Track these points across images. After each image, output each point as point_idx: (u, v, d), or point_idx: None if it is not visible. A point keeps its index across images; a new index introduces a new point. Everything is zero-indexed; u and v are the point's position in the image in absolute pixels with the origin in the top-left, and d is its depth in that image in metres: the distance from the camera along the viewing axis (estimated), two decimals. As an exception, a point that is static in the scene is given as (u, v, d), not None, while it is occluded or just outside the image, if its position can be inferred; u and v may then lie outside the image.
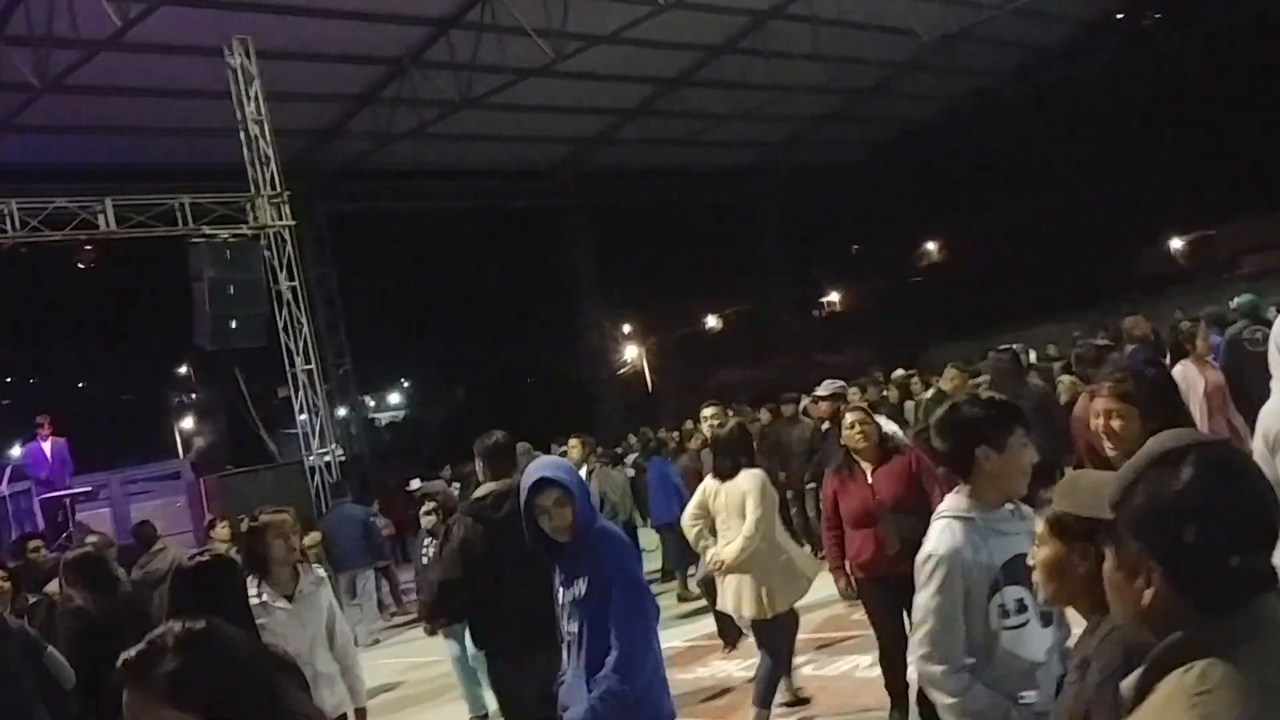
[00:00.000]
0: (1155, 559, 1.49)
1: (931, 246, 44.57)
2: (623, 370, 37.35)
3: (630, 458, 17.52)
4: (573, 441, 10.95)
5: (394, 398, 46.86)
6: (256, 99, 15.74)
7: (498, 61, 18.93)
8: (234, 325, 14.93)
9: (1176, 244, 37.23)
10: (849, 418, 6.06)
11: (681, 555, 12.68)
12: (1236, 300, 12.31)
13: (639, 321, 38.33)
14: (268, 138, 15.72)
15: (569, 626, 4.11)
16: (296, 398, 16.06)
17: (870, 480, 5.84)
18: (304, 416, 16.02)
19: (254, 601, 4.72)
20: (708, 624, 9.87)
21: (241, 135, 15.74)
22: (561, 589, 4.14)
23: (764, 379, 30.74)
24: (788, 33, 22.52)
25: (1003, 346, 12.00)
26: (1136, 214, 33.50)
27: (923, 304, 37.22)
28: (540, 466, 4.20)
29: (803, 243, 35.82)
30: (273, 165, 15.74)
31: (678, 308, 40.25)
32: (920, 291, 40.24)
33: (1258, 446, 3.58)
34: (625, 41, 19.75)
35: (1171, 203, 33.45)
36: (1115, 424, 3.24)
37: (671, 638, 10.16)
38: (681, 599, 12.14)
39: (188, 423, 37.05)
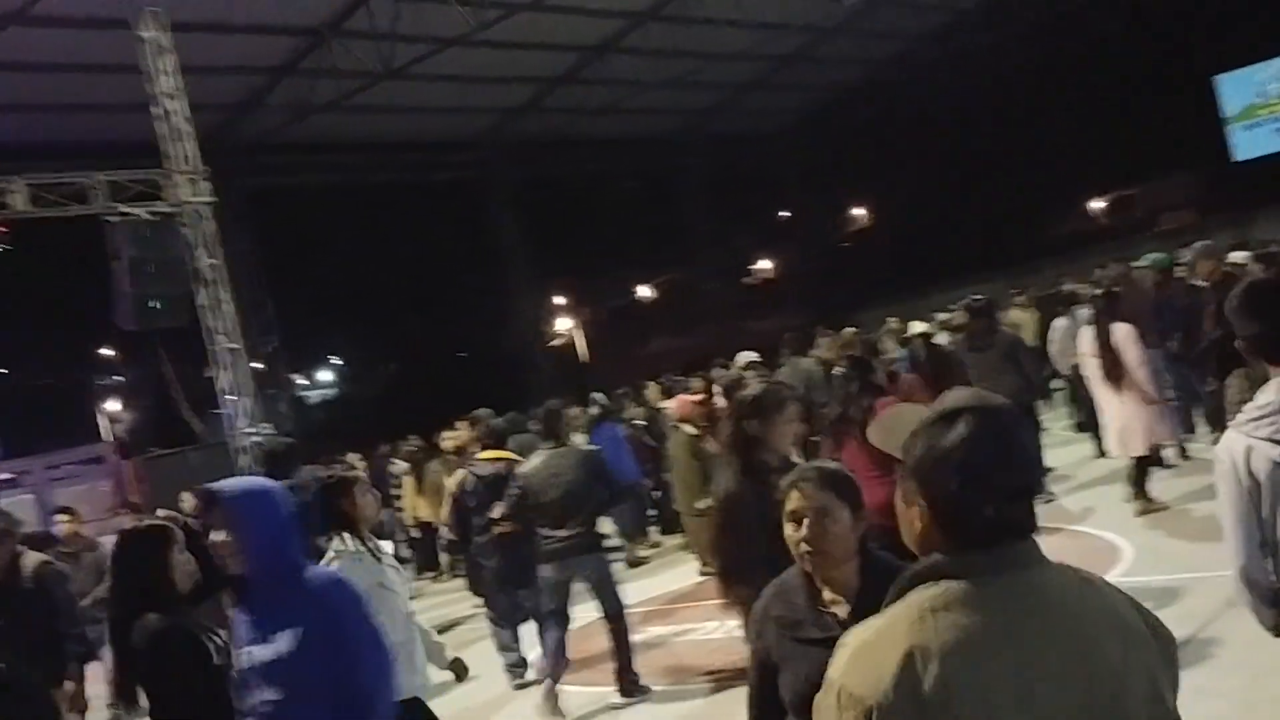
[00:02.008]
0: (924, 499, 1.74)
1: (858, 211, 44.92)
2: (555, 342, 37.28)
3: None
4: (459, 424, 10.65)
5: (325, 375, 46.37)
6: (170, 73, 15.41)
7: (419, 31, 18.72)
8: (155, 305, 14.66)
9: (1097, 204, 37.91)
10: None
11: (634, 518, 12.83)
12: (1148, 257, 12.82)
13: (570, 293, 38.22)
14: (183, 112, 15.41)
15: (258, 695, 3.33)
16: (221, 377, 15.84)
17: None
18: (230, 396, 15.81)
19: (364, 558, 4.75)
20: (655, 587, 10.02)
21: (155, 110, 15.42)
22: (244, 645, 3.41)
23: (695, 347, 30.87)
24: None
25: (976, 296, 12.66)
26: (1058, 175, 34.04)
27: (851, 269, 37.54)
28: (234, 479, 3.76)
29: (731, 210, 35.91)
30: (189, 140, 15.44)
31: (608, 278, 40.19)
32: (848, 256, 40.56)
33: None
34: (548, 9, 19.66)
35: (1092, 163, 34.03)
36: None
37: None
38: (631, 564, 12.23)
39: (112, 405, 36.37)
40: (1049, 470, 10.58)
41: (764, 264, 44.27)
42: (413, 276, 36.10)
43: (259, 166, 23.75)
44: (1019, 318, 16.58)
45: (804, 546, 2.87)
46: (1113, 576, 7.05)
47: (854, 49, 29.37)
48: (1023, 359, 9.95)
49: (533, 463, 7.44)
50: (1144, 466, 8.82)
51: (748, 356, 11.79)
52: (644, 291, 44.61)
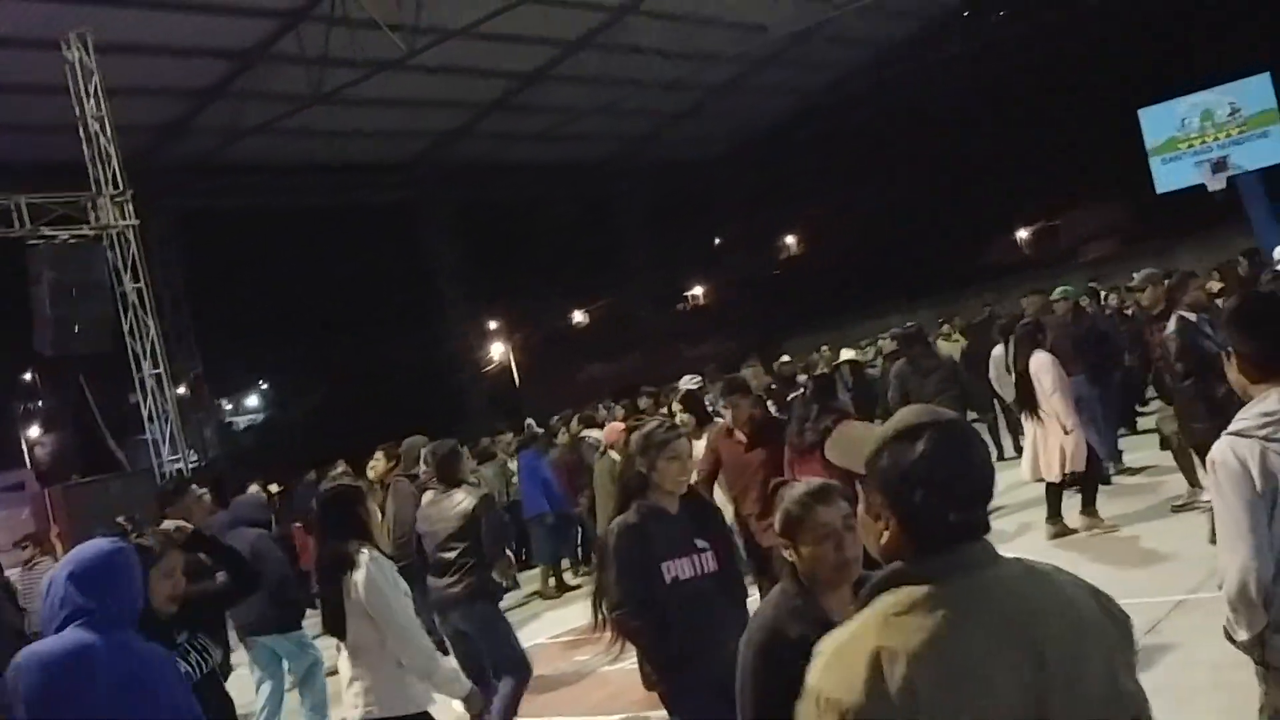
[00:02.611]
0: (891, 511, 1.86)
1: (790, 239, 45.38)
2: (489, 367, 37.12)
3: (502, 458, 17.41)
4: (377, 454, 10.50)
5: (252, 400, 45.72)
6: (96, 94, 15.18)
7: (350, 55, 18.62)
8: (76, 329, 14.38)
9: (1022, 234, 38.66)
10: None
11: (549, 549, 12.70)
12: (1061, 289, 13.25)
13: (504, 317, 38.13)
14: (109, 134, 15.18)
15: None
16: (145, 403, 15.56)
17: None
18: (153, 423, 15.54)
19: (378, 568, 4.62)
20: (586, 613, 9.91)
21: (81, 132, 15.17)
22: None
23: (628, 373, 30.94)
24: (643, 28, 22.69)
25: (909, 324, 13.20)
26: (984, 205, 34.68)
27: (782, 295, 37.86)
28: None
29: (665, 237, 36.10)
30: (114, 163, 15.20)
31: (543, 303, 40.17)
32: (780, 283, 40.92)
33: None
34: (481, 36, 19.62)
35: (1017, 194, 34.73)
36: None
37: (536, 634, 10.19)
38: (542, 595, 12.15)
39: (33, 431, 35.54)
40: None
41: (698, 290, 44.53)
42: (343, 300, 35.78)
43: (187, 189, 23.44)
44: (945, 347, 16.82)
45: (849, 557, 2.88)
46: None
47: (785, 79, 29.72)
48: (963, 381, 10.29)
49: (423, 506, 7.06)
50: (1057, 492, 8.98)
51: (690, 381, 11.79)
52: (579, 316, 44.66)
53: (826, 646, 1.83)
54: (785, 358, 19.26)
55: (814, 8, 22.50)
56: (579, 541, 13.21)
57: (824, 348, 21.29)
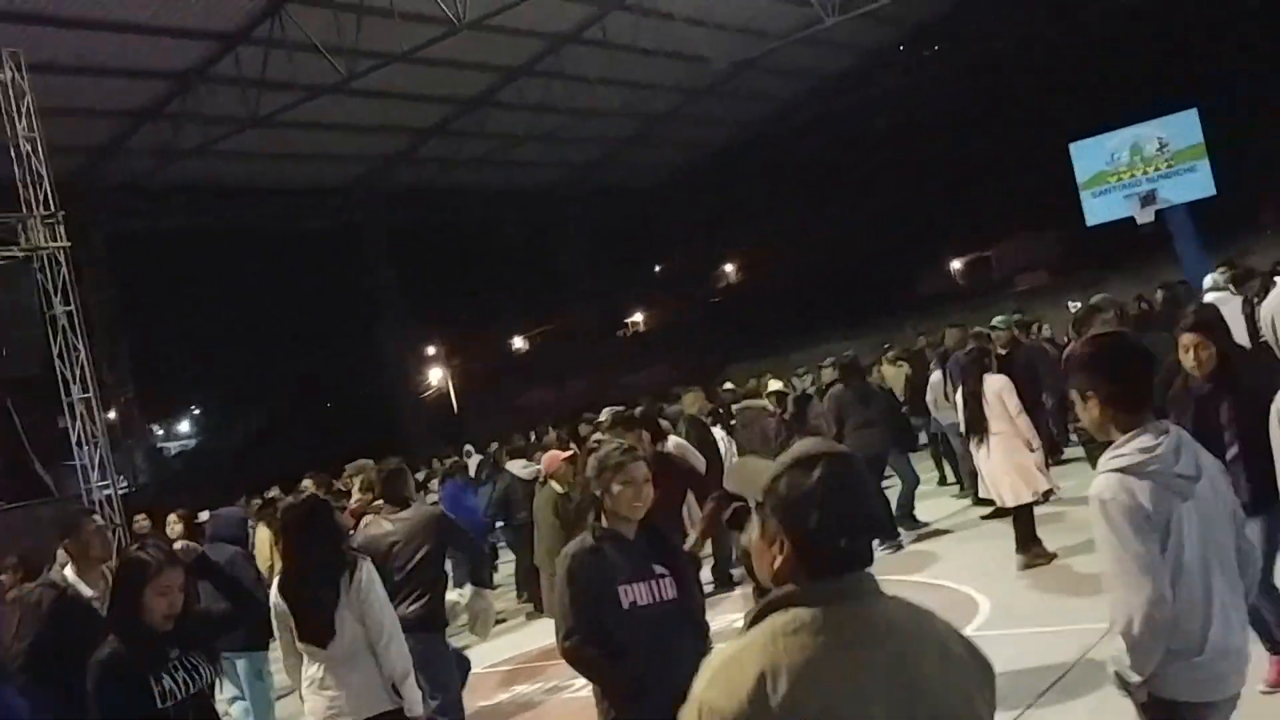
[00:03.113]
0: (786, 535, 1.94)
1: (730, 267, 45.70)
2: (428, 392, 36.89)
3: (434, 481, 17.26)
4: (305, 482, 10.33)
5: (184, 426, 44.99)
6: (28, 114, 14.92)
7: (288, 78, 18.49)
8: (4, 352, 14.07)
9: (956, 264, 39.24)
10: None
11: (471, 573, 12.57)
12: (999, 318, 13.46)
13: (444, 342, 37.94)
14: (41, 155, 14.91)
15: None
16: (74, 428, 15.24)
17: None
18: (83, 448, 15.21)
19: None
20: (523, 643, 9.85)
21: (11, 152, 14.89)
22: None
23: (569, 399, 30.88)
24: (585, 57, 22.81)
25: (847, 353, 13.36)
26: (920, 235, 35.17)
27: (722, 323, 38.07)
28: None
29: (607, 263, 36.20)
30: (46, 184, 14.93)
31: (483, 328, 40.03)
32: (719, 311, 41.14)
33: None
34: (422, 61, 19.59)
35: (952, 225, 35.26)
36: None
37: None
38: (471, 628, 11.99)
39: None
40: (922, 524, 10.82)
41: (639, 316, 44.66)
42: (281, 324, 35.39)
43: (121, 211, 23.11)
44: (889, 373, 16.98)
45: (643, 500, 3.08)
46: (970, 628, 7.25)
47: (725, 110, 29.98)
48: (898, 411, 10.34)
49: (370, 529, 6.85)
50: (1024, 517, 8.89)
51: (613, 410, 11.74)
52: (520, 342, 44.56)
53: (714, 659, 1.90)
54: (728, 385, 19.34)
55: (754, 40, 22.76)
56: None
57: (766, 376, 21.45)
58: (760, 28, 22.29)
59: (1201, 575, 2.95)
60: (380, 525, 6.68)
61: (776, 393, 13.94)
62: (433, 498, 14.62)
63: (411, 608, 6.36)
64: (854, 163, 32.57)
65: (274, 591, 4.98)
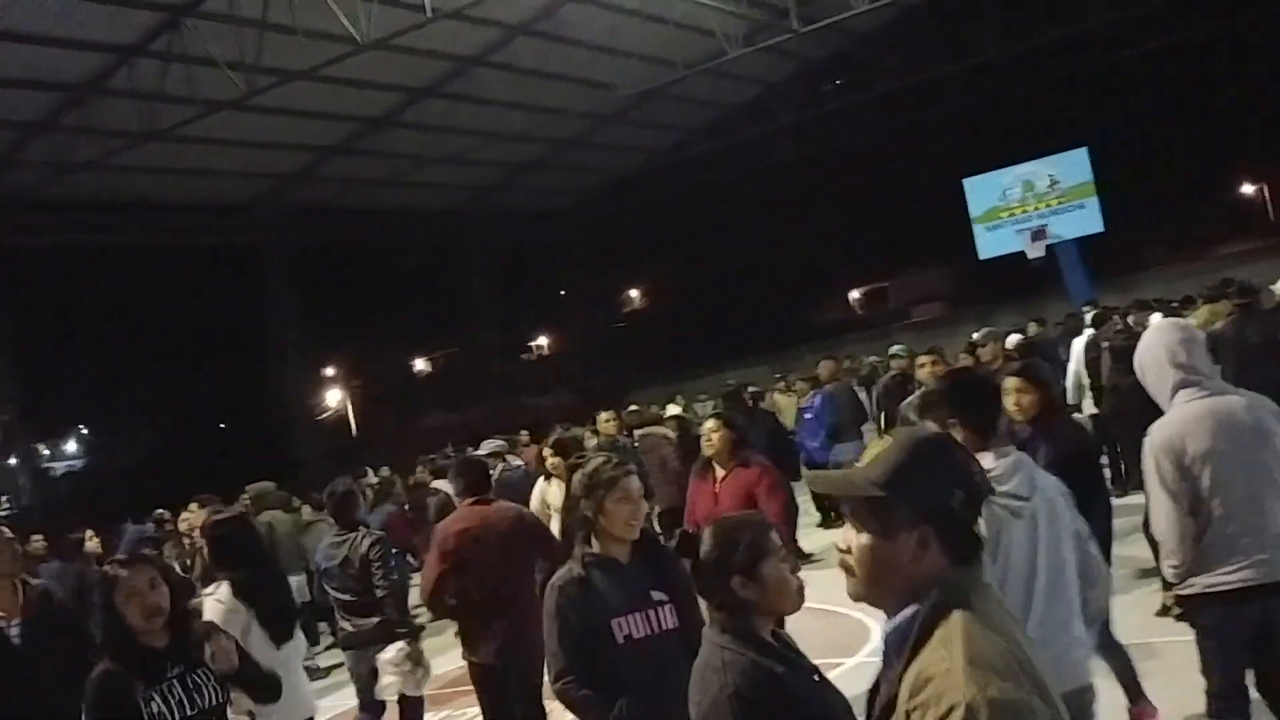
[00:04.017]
0: (929, 522, 1.85)
1: (635, 293, 45.95)
2: (325, 415, 36.37)
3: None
4: (192, 506, 10.18)
5: (71, 445, 43.70)
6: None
7: (186, 93, 18.18)
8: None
9: (855, 294, 39.99)
10: (708, 424, 6.64)
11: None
12: (895, 348, 13.76)
13: (343, 364, 37.46)
14: (-78, 164, 14.48)
15: None
16: (-48, 446, 14.75)
17: (716, 488, 6.31)
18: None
19: None
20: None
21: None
22: None
23: (470, 423, 30.67)
24: (491, 80, 22.81)
25: (729, 382, 13.54)
26: (820, 265, 35.77)
27: (626, 348, 38.22)
28: None
29: (511, 287, 36.11)
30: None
31: (384, 351, 39.63)
32: (624, 336, 41.31)
33: (1162, 464, 4.02)
34: (324, 79, 19.41)
35: (851, 256, 35.93)
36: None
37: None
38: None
39: None
40: (808, 555, 10.96)
41: (543, 340, 44.59)
42: (174, 343, 34.61)
43: (10, 225, 22.38)
44: (781, 401, 17.22)
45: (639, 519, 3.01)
46: (862, 655, 7.37)
47: (630, 137, 30.19)
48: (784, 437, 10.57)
49: (324, 546, 7.10)
50: None
51: (492, 445, 11.74)
52: (421, 365, 44.18)
53: (931, 701, 1.75)
54: (633, 407, 19.44)
55: (660, 69, 22.98)
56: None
57: (679, 399, 21.64)
58: (666, 57, 22.52)
59: (1024, 589, 3.15)
60: (338, 540, 6.84)
61: (676, 417, 14.08)
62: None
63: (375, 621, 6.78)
64: (756, 193, 33.04)
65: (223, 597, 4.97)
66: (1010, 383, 5.20)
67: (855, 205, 33.38)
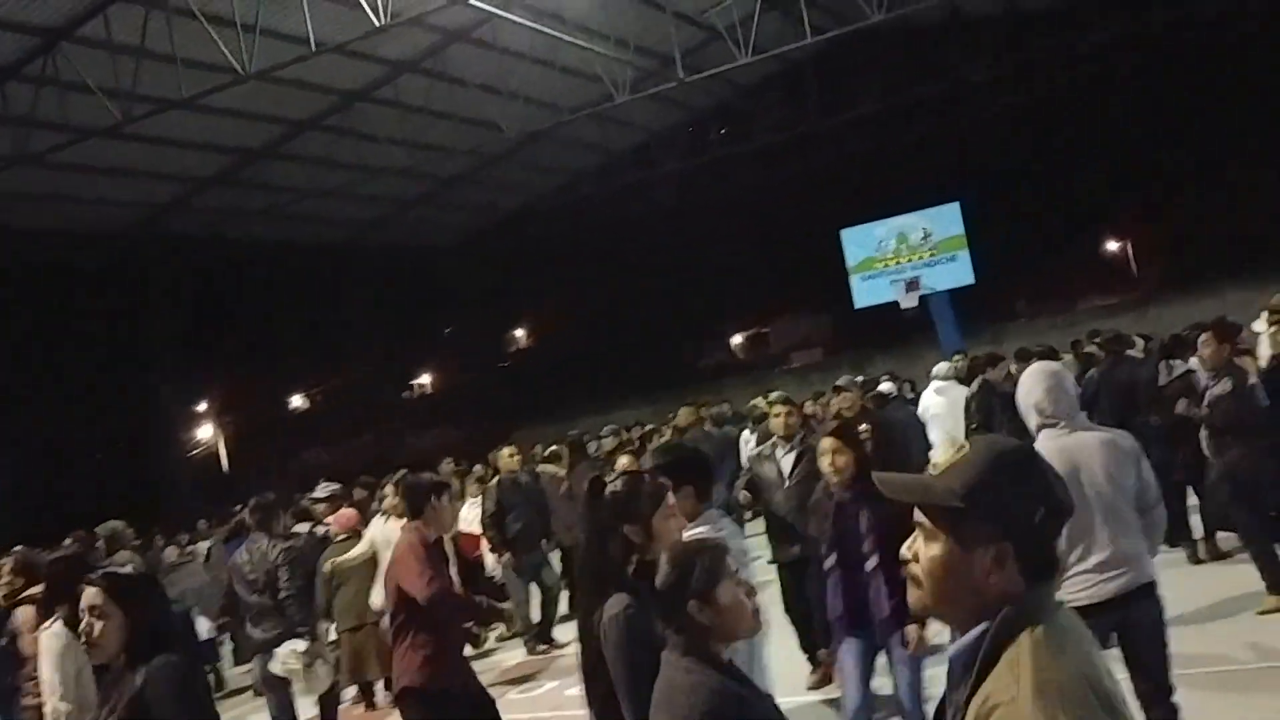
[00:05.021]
0: (1009, 538, 1.76)
1: (521, 332, 45.86)
2: (196, 449, 35.45)
3: (203, 545, 16.58)
4: (67, 542, 10.05)
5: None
6: None
7: (59, 119, 17.74)
8: None
9: (736, 339, 40.54)
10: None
11: (255, 644, 12.18)
12: (774, 394, 13.97)
13: (217, 397, 36.57)
14: None
15: None
16: None
17: None
18: None
19: None
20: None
21: None
22: None
23: (349, 459, 30.24)
24: (376, 115, 22.73)
25: (572, 432, 13.81)
26: (703, 309, 36.22)
27: (511, 387, 38.12)
28: None
29: (395, 322, 35.77)
30: None
31: (260, 384, 38.77)
32: (509, 374, 41.20)
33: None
34: (204, 109, 19.14)
35: (733, 300, 36.45)
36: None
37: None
38: (256, 691, 11.62)
39: None
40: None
41: (426, 378, 44.17)
42: (40, 374, 33.41)
43: None
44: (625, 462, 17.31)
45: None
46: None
47: (516, 177, 30.29)
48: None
49: (241, 555, 7.80)
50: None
51: (329, 487, 11.64)
52: (298, 400, 43.36)
53: None
54: (506, 450, 19.37)
55: (546, 112, 23.17)
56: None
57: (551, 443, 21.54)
58: (553, 100, 22.73)
59: None
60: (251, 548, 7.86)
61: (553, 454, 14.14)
62: (199, 560, 14.07)
63: (278, 629, 7.55)
64: (641, 236, 33.39)
65: None
66: (825, 443, 5.27)
67: (738, 251, 33.93)
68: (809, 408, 13.80)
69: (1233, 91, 29.74)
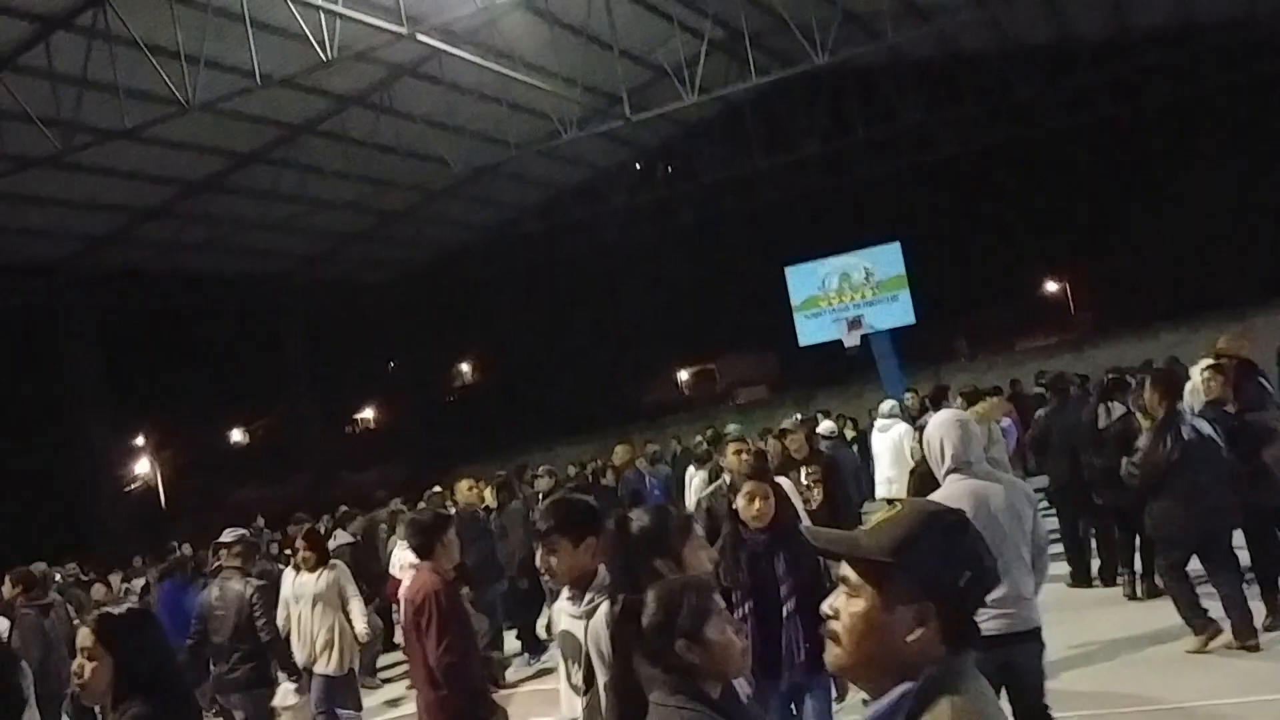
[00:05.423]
0: (933, 599, 1.75)
1: (465, 367, 45.64)
2: (132, 486, 34.81)
3: (138, 581, 16.27)
4: (5, 583, 9.88)
5: None
6: None
7: (-3, 148, 17.45)
8: None
9: (683, 374, 40.64)
10: None
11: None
12: (731, 427, 14.07)
13: (154, 434, 35.97)
14: None
15: None
16: None
17: None
18: None
19: None
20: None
21: None
22: None
23: (289, 496, 29.81)
24: (321, 149, 22.60)
25: (499, 472, 13.86)
26: (650, 346, 36.28)
27: (455, 423, 37.88)
28: None
29: (335, 358, 35.45)
30: None
31: (199, 421, 38.24)
32: (453, 410, 40.95)
33: None
34: (146, 140, 18.93)
35: (680, 336, 36.56)
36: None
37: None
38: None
39: None
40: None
41: (369, 413, 43.78)
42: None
43: None
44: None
45: None
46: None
47: (461, 212, 30.25)
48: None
49: (211, 593, 7.78)
50: None
51: (235, 532, 11.42)
52: (237, 436, 42.79)
53: None
54: (463, 483, 19.26)
55: (493, 148, 23.17)
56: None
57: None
58: (500, 136, 22.71)
59: None
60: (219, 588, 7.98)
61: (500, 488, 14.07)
62: (132, 599, 13.76)
63: (240, 668, 7.55)
64: (588, 272, 33.46)
65: None
66: (747, 486, 5.26)
67: (684, 288, 34.11)
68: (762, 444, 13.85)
69: (1166, 141, 30.56)
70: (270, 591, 9.11)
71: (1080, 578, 10.16)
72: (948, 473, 4.87)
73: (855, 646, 1.79)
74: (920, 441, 11.09)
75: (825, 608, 1.86)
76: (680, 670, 2.76)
